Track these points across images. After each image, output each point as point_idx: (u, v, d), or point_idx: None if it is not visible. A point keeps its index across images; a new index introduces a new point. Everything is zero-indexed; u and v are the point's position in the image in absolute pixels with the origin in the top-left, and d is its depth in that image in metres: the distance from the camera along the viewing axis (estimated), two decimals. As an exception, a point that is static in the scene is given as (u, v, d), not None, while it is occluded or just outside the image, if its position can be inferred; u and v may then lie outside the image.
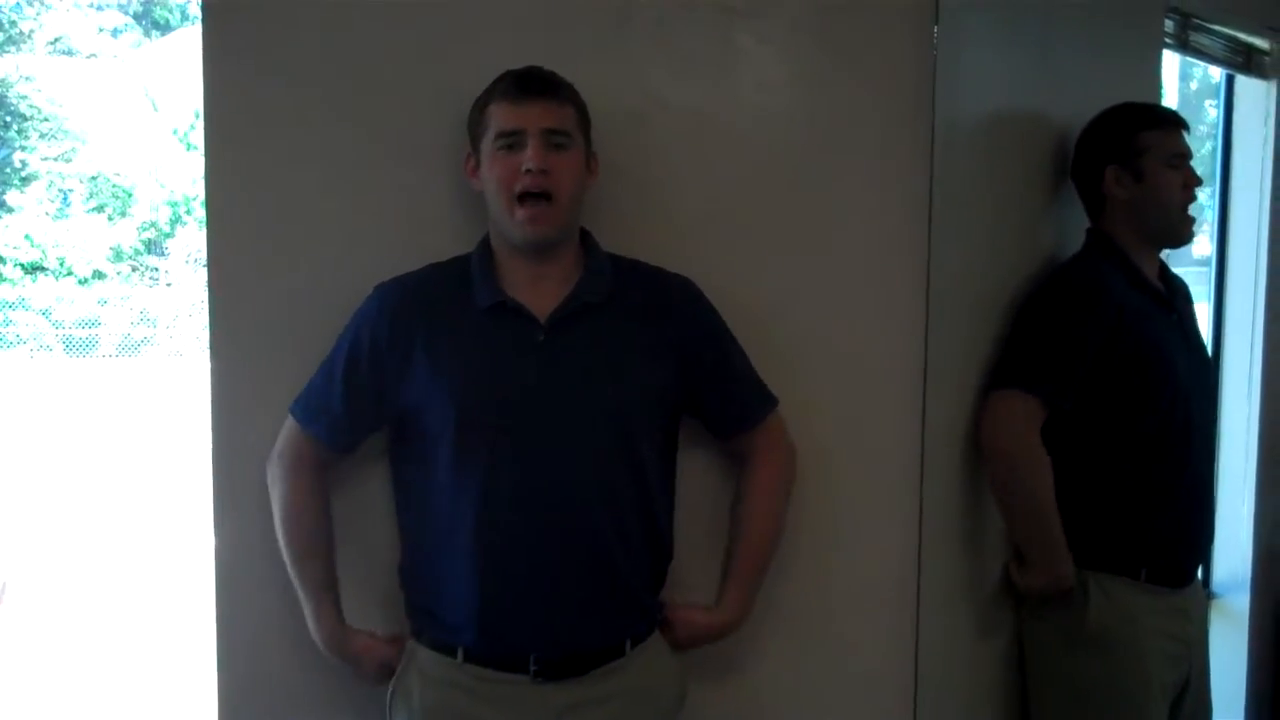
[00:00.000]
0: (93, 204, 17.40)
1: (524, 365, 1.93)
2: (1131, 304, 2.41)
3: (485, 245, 2.02)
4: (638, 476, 1.99)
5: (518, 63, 1.99)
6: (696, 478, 2.15)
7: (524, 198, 1.90)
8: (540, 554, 1.91)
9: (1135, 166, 2.45)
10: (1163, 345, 2.44)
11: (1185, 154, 2.47)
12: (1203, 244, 3.46)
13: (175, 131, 17.43)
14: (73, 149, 17.19)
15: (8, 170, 17.38)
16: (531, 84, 1.94)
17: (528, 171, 1.89)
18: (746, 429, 2.10)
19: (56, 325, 16.80)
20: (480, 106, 1.97)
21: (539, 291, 1.95)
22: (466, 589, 1.93)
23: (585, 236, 2.04)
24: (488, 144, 1.94)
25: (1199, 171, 2.56)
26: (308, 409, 2.03)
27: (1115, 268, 2.45)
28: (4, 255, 17.62)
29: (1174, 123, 2.51)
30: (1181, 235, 2.52)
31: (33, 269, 17.59)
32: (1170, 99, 3.08)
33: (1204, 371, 2.63)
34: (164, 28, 17.92)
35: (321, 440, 2.02)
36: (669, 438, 2.07)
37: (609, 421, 1.94)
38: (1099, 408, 2.39)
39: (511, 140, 1.92)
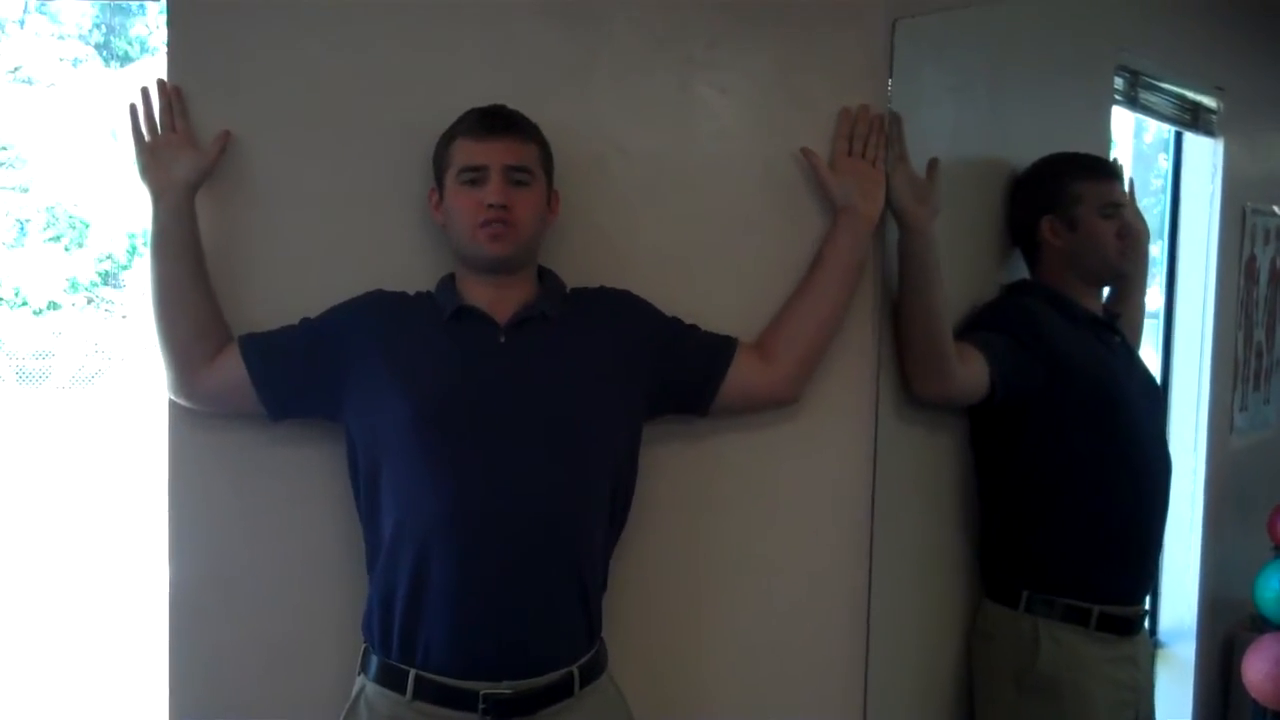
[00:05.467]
0: (49, 234, 17.23)
1: (485, 366, 1.98)
2: (1061, 328, 2.45)
3: (448, 274, 2.07)
4: (598, 487, 2.03)
5: (483, 105, 2.03)
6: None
7: (485, 225, 1.95)
8: (507, 558, 1.93)
9: (1069, 216, 2.49)
10: (1106, 365, 2.50)
11: (1119, 202, 2.50)
12: (1153, 295, 3.52)
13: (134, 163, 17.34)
14: (30, 178, 17.04)
15: (-36, 199, 17.23)
16: (496, 121, 1.99)
17: (490, 206, 1.94)
18: (723, 367, 2.12)
19: (10, 355, 16.61)
20: (445, 142, 2.02)
21: (499, 303, 2.02)
22: (432, 602, 1.93)
23: (543, 272, 2.09)
24: (451, 178, 1.99)
25: (1151, 224, 2.61)
26: (252, 336, 2.07)
27: (1044, 302, 2.49)
28: (-43, 284, 17.45)
29: (1108, 172, 2.54)
30: (1120, 274, 2.57)
31: (-13, 299, 17.42)
32: (1123, 153, 3.13)
33: (1151, 393, 2.68)
34: (124, 59, 17.85)
35: (252, 370, 2.04)
36: (628, 460, 2.10)
37: (570, 424, 1.98)
38: (1048, 435, 2.43)
39: (475, 175, 1.97)
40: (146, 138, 2.12)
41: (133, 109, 2.12)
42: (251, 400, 2.05)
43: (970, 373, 2.33)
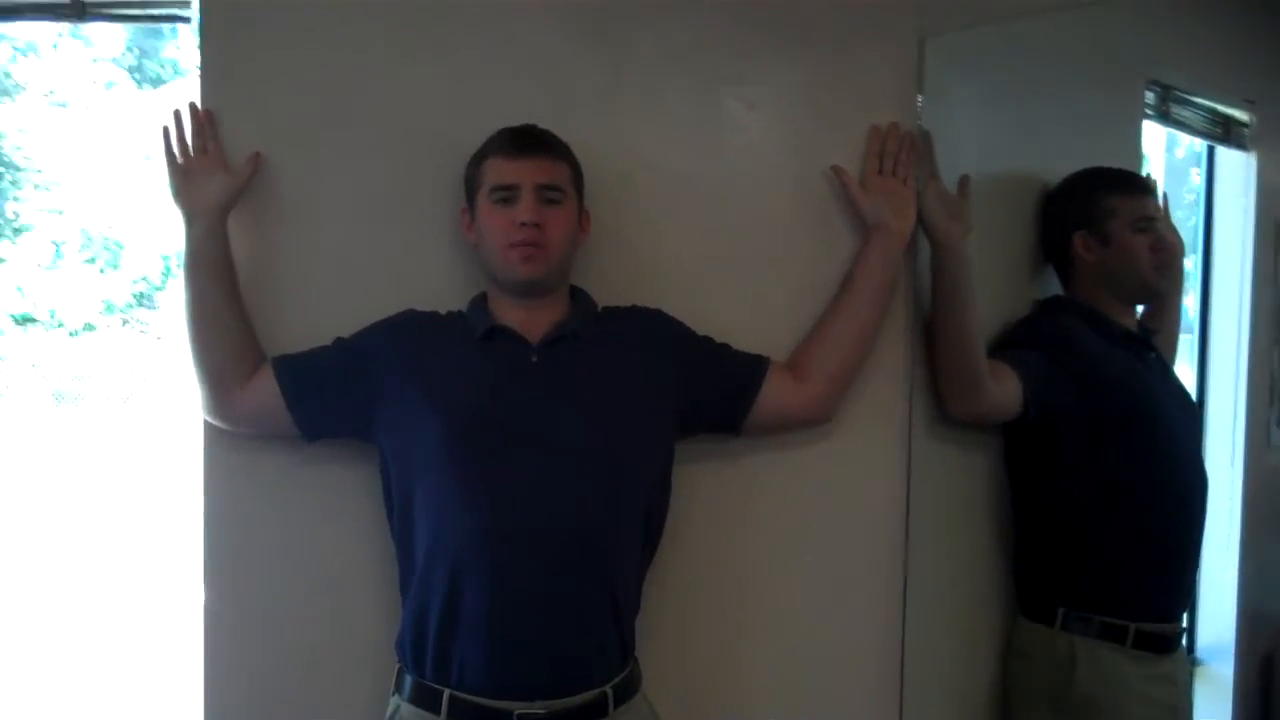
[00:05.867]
0: (84, 256, 17.37)
1: (517, 385, 1.99)
2: (1096, 345, 2.44)
3: (480, 294, 2.07)
4: (631, 506, 2.03)
5: (512, 123, 2.03)
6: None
7: (517, 245, 1.95)
8: (541, 578, 1.93)
9: (1102, 231, 2.47)
10: (1142, 381, 2.48)
11: (1152, 217, 2.49)
12: (1187, 305, 3.50)
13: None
14: (65, 201, 17.17)
15: (0, 221, 17.34)
16: (527, 140, 2.00)
17: (522, 225, 1.94)
18: (755, 386, 2.12)
19: (46, 377, 16.72)
20: (476, 161, 2.03)
21: (531, 322, 2.02)
22: (466, 622, 1.93)
23: (575, 291, 2.08)
24: (483, 197, 2.00)
25: (1184, 239, 2.59)
26: (285, 358, 2.08)
27: (1078, 318, 2.47)
28: (-5, 306, 17.58)
29: (1140, 187, 2.53)
30: (1154, 289, 2.54)
31: (23, 320, 17.54)
32: (1155, 168, 3.11)
33: (1187, 409, 2.66)
34: (156, 81, 18.00)
35: (285, 391, 2.05)
36: (661, 479, 2.09)
37: (603, 444, 1.98)
38: (1084, 452, 2.41)
39: (506, 194, 1.98)
40: (179, 160, 2.13)
41: (165, 131, 2.14)
42: (285, 421, 2.06)
43: (1003, 390, 2.32)
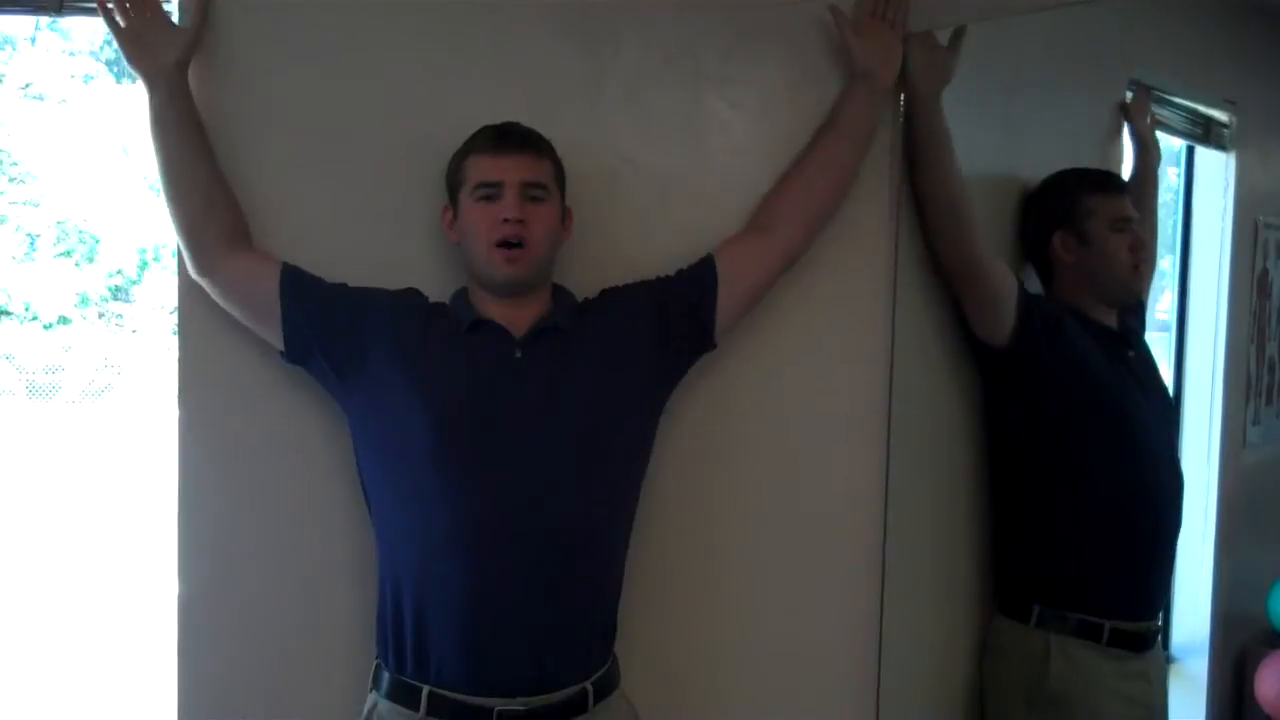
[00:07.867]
0: (60, 249, 17.28)
1: (502, 379, 1.98)
2: (1080, 336, 2.45)
3: (461, 289, 2.06)
4: (620, 499, 2.03)
5: (495, 121, 2.03)
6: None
7: (501, 244, 1.94)
8: (523, 574, 1.92)
9: (1081, 231, 2.48)
10: (1121, 379, 2.50)
11: (1129, 217, 2.50)
12: (1164, 304, 3.52)
13: (145, 178, 17.37)
14: (41, 193, 17.08)
15: (-25, 214, 17.27)
16: (510, 138, 1.99)
17: (505, 221, 1.94)
18: (711, 287, 2.10)
19: (20, 370, 16.63)
20: (459, 159, 2.02)
21: (514, 319, 2.01)
22: (445, 618, 1.93)
23: (556, 289, 2.08)
24: (466, 195, 1.99)
25: (1162, 238, 2.60)
26: (297, 271, 2.06)
27: (1062, 310, 2.48)
28: (-32, 299, 17.46)
29: (1118, 187, 2.55)
30: (1132, 291, 2.55)
31: (-2, 313, 17.48)
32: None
33: (1165, 407, 2.67)
34: (135, 76, 17.91)
35: (284, 299, 2.02)
36: (640, 465, 2.09)
37: (589, 437, 1.97)
38: (1062, 449, 2.43)
39: (490, 191, 1.97)
40: (122, 24, 2.08)
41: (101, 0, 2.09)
42: (271, 323, 2.04)
43: (998, 269, 2.36)
